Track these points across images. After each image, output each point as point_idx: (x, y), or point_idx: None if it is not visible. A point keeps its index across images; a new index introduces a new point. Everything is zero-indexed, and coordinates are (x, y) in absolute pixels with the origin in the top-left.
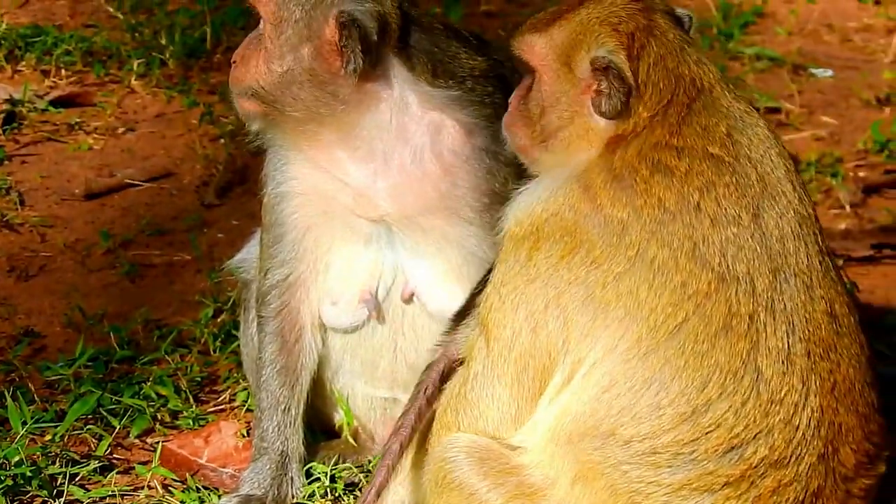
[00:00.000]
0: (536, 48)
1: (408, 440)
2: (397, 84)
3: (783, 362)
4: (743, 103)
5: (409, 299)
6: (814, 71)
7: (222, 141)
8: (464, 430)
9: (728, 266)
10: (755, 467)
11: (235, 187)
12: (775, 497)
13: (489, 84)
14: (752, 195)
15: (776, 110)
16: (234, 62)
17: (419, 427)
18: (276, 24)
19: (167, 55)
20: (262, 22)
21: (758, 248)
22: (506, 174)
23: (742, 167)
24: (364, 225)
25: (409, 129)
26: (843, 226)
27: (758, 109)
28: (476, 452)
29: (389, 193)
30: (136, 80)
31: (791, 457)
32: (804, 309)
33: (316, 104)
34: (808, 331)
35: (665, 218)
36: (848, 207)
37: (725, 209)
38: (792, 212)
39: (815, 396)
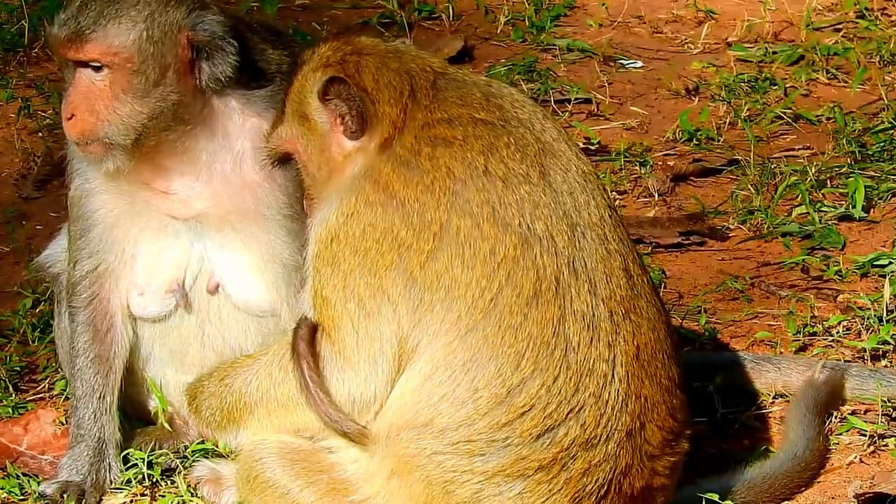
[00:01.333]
0: (283, 136)
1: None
2: (223, 92)
3: (589, 328)
4: (482, 77)
5: (214, 290)
6: (623, 62)
7: (40, 134)
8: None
9: (528, 225)
10: (567, 449)
11: (53, 180)
12: (585, 479)
13: None
14: (533, 153)
15: (587, 101)
16: (72, 116)
17: None
18: (134, 70)
19: None
20: (100, 70)
21: (552, 203)
22: None
23: (515, 128)
24: (174, 221)
25: (233, 136)
26: (651, 214)
27: (569, 101)
28: (287, 454)
29: (208, 197)
30: None
31: (601, 436)
32: (603, 265)
33: (168, 131)
34: (609, 289)
35: (458, 187)
36: (656, 196)
37: (513, 169)
38: (574, 167)
39: (622, 365)
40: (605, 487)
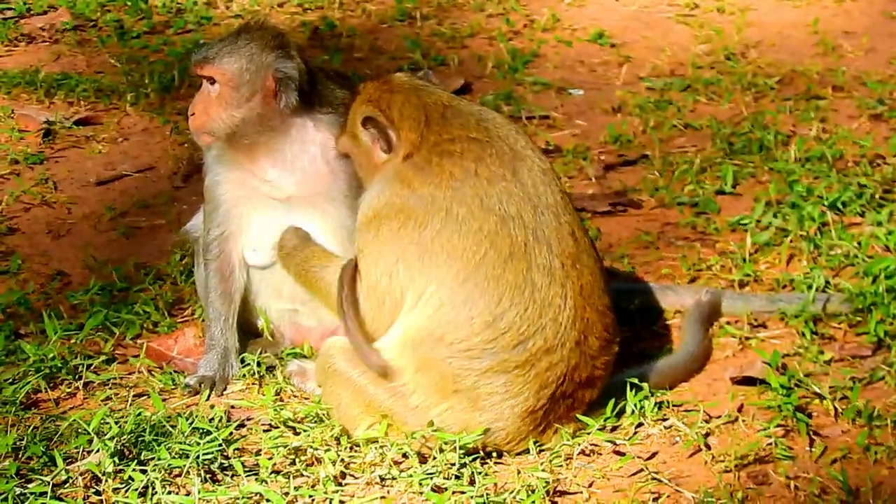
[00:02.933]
0: (344, 143)
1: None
2: (301, 114)
3: (548, 275)
4: (476, 106)
5: None
6: (571, 91)
7: (185, 145)
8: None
9: (505, 209)
10: (535, 354)
11: (194, 175)
12: (548, 372)
13: None
14: (508, 159)
15: (547, 117)
16: (193, 113)
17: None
18: (234, 87)
19: (149, 90)
20: (214, 84)
21: (521, 193)
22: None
23: (496, 143)
24: (273, 201)
25: (307, 143)
26: (590, 191)
27: (535, 117)
28: (349, 351)
29: (294, 184)
30: (129, 106)
31: (557, 345)
32: (557, 232)
33: (256, 133)
34: (561, 248)
35: (456, 185)
36: (594, 179)
37: (494, 171)
38: (536, 167)
39: (570, 298)
40: (562, 378)
